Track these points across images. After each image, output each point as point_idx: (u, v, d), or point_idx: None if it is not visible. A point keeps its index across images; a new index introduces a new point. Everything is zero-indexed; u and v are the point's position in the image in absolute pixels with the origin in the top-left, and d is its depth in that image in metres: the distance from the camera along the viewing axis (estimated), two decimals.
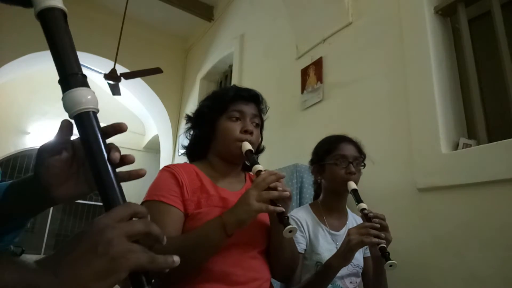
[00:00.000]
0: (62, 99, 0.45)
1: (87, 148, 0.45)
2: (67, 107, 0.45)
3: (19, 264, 0.35)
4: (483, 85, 1.52)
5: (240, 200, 0.80)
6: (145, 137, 6.85)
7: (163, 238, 0.42)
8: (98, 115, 0.47)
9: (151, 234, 0.41)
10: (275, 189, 0.80)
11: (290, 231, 0.78)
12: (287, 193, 0.80)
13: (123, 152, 0.47)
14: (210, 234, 0.79)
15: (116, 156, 0.45)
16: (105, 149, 0.45)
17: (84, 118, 0.45)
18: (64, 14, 0.47)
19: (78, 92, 0.44)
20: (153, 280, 0.40)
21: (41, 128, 5.79)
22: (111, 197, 0.43)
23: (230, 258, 0.86)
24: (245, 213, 0.78)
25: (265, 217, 0.96)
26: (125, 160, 0.47)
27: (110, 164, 0.44)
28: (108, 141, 0.47)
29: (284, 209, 0.79)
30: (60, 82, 0.45)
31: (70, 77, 0.45)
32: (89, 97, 0.45)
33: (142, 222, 0.40)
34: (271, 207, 0.78)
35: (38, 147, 0.50)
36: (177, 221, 0.87)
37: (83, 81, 0.46)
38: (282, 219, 0.79)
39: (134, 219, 0.41)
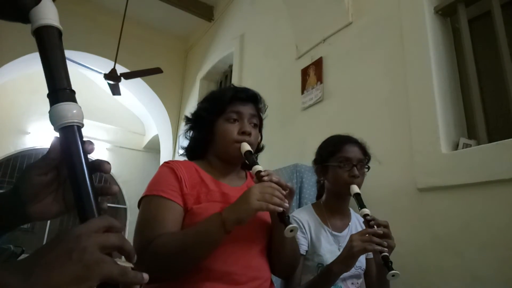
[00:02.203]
0: (49, 112, 0.46)
1: (68, 161, 0.46)
2: (52, 120, 0.46)
3: None
4: (483, 85, 1.52)
5: (241, 197, 0.81)
6: (145, 137, 6.84)
7: (134, 256, 0.43)
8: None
9: (123, 250, 0.42)
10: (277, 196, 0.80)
11: (291, 231, 0.78)
12: (287, 205, 0.80)
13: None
14: (210, 231, 0.79)
15: (91, 148, 0.47)
16: (85, 163, 0.46)
17: (68, 132, 0.46)
18: (59, 32, 0.49)
19: (64, 107, 0.46)
20: None
21: (41, 128, 5.77)
22: (87, 209, 0.44)
23: (231, 256, 0.86)
24: (245, 212, 0.78)
25: (265, 214, 0.96)
26: (109, 191, 0.49)
27: (87, 173, 0.46)
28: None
29: (284, 209, 0.79)
30: (48, 96, 0.47)
31: (59, 92, 0.46)
32: (74, 111, 0.46)
33: (116, 236, 0.41)
34: (272, 206, 0.78)
35: (27, 165, 0.50)
36: (176, 216, 0.87)
37: (70, 96, 0.47)
38: (283, 219, 0.79)
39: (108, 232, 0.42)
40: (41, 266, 0.36)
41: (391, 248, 0.98)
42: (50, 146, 0.49)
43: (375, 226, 1.01)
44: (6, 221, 0.52)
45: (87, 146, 0.47)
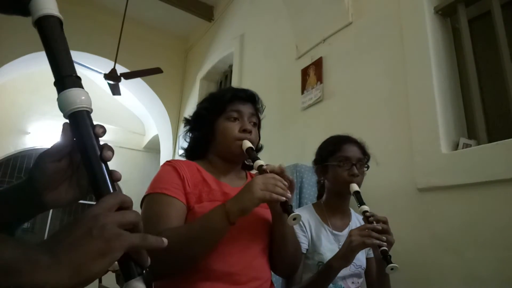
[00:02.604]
0: (58, 99, 0.47)
1: (80, 144, 0.47)
2: (62, 107, 0.47)
3: (19, 241, 0.36)
4: (483, 85, 1.52)
5: (245, 188, 0.82)
6: (145, 137, 6.84)
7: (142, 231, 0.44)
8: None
9: (139, 226, 0.43)
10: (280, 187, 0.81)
11: (294, 219, 0.78)
12: (289, 195, 0.81)
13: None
14: (214, 222, 0.80)
15: (109, 154, 0.47)
16: (98, 146, 0.47)
17: (79, 117, 0.47)
18: (60, 21, 0.49)
19: (73, 92, 0.46)
20: (144, 271, 0.42)
21: (41, 128, 5.77)
22: (103, 188, 0.45)
23: (232, 256, 0.86)
24: (249, 201, 0.79)
25: (267, 214, 0.97)
26: (113, 176, 0.49)
27: (102, 161, 0.47)
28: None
29: (286, 199, 0.80)
30: (55, 83, 0.47)
31: (65, 79, 0.47)
32: (83, 97, 0.47)
33: (133, 213, 0.43)
34: (275, 196, 0.79)
35: (40, 153, 0.50)
36: (180, 213, 0.87)
37: (77, 82, 0.47)
38: (286, 208, 0.80)
39: (124, 210, 0.43)
40: (64, 246, 0.37)
41: (390, 244, 0.99)
42: (61, 133, 0.49)
43: (374, 222, 1.02)
44: (23, 211, 0.52)
45: (98, 130, 0.48)
